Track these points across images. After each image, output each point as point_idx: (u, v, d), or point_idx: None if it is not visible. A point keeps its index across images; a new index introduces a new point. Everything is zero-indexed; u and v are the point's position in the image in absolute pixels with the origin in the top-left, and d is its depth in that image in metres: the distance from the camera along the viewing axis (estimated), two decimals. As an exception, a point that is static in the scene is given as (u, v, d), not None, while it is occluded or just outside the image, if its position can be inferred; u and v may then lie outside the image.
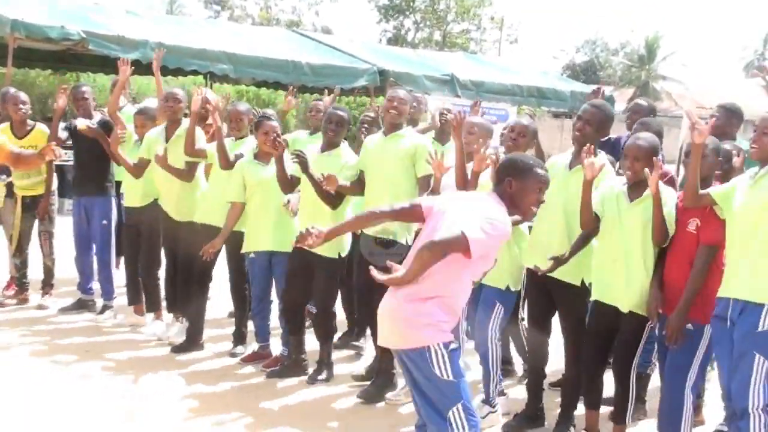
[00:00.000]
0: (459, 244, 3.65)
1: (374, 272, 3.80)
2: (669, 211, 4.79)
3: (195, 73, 13.25)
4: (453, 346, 3.82)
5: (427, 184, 5.77)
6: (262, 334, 6.77)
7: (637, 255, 4.87)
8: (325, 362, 6.37)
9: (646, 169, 4.67)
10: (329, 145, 6.24)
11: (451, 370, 3.77)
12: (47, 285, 8.15)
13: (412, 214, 4.12)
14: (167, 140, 7.05)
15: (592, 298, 5.12)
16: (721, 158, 4.95)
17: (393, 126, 6.07)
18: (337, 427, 5.46)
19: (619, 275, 4.91)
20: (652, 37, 55.40)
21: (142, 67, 10.32)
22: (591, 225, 5.04)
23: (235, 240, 6.67)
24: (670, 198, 4.87)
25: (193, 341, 6.95)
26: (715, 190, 4.59)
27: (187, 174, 6.95)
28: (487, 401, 5.59)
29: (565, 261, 5.09)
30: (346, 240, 6.20)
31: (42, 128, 8.00)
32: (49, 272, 8.15)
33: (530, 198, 4.00)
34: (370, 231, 5.86)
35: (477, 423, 3.87)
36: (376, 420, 5.62)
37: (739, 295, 4.35)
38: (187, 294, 7.03)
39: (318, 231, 3.97)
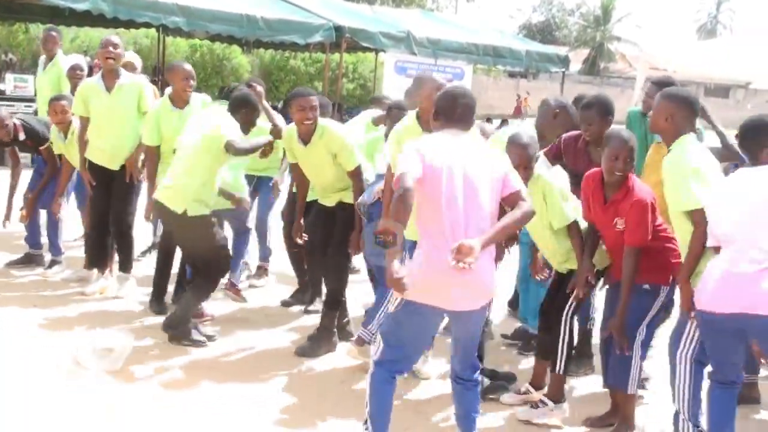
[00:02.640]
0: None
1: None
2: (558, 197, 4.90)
3: (147, 25, 13.07)
4: None
5: None
6: None
7: (546, 233, 5.03)
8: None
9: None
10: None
11: None
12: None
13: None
14: (108, 91, 6.90)
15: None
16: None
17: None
18: (279, 380, 5.47)
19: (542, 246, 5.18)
20: (608, -2, 55.60)
21: (92, 18, 10.11)
22: None
23: None
24: (558, 181, 4.99)
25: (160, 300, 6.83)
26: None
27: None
28: None
29: None
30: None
31: None
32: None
33: None
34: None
35: None
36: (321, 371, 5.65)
37: None
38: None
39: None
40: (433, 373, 5.60)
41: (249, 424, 4.80)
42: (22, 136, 7.45)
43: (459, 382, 4.24)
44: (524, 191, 4.10)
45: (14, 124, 7.42)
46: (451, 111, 4.12)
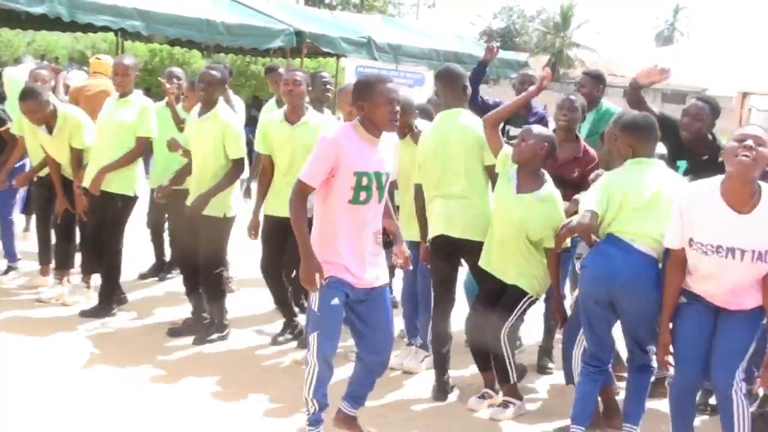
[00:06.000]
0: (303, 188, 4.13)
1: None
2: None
3: (106, 29, 12.92)
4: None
5: None
6: None
7: (515, 243, 5.04)
8: (215, 323, 6.31)
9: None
10: (205, 106, 6.08)
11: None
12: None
13: None
14: None
15: (481, 264, 5.24)
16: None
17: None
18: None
19: (501, 254, 5.12)
20: (566, 5, 56.20)
21: (49, 22, 9.96)
22: None
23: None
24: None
25: (106, 306, 6.79)
26: None
27: None
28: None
29: None
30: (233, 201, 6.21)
31: None
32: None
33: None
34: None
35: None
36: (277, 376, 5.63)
37: None
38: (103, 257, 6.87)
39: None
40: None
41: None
42: None
43: None
44: None
45: None
46: None
